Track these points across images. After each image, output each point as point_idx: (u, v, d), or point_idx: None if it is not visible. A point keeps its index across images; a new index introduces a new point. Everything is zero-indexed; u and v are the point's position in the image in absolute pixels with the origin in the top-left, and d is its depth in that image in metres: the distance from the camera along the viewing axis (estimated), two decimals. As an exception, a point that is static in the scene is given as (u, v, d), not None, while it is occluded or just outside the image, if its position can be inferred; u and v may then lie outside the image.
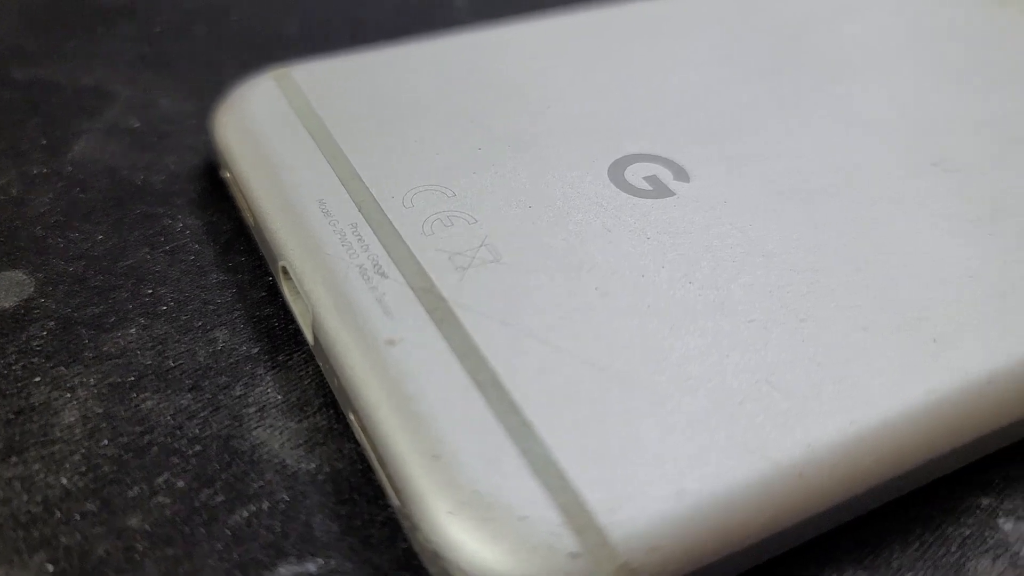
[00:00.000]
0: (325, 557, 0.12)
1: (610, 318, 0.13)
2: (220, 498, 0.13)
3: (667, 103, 0.18)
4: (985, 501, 0.13)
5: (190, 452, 0.13)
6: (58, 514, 0.12)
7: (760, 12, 0.21)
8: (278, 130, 0.17)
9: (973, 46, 0.20)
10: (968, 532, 0.13)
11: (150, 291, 0.15)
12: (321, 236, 0.14)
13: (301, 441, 0.13)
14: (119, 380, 0.14)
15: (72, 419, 0.13)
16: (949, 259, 0.15)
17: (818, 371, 0.13)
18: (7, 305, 0.15)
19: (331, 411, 0.14)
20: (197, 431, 0.13)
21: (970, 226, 0.15)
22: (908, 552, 0.13)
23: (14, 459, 0.13)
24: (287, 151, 0.16)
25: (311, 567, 0.12)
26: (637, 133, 0.17)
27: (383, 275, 0.14)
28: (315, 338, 0.14)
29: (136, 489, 0.13)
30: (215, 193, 0.18)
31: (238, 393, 0.14)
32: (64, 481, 0.13)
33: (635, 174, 0.16)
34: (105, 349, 0.14)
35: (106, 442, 0.13)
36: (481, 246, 0.14)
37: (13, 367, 0.14)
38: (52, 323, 0.15)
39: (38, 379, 0.14)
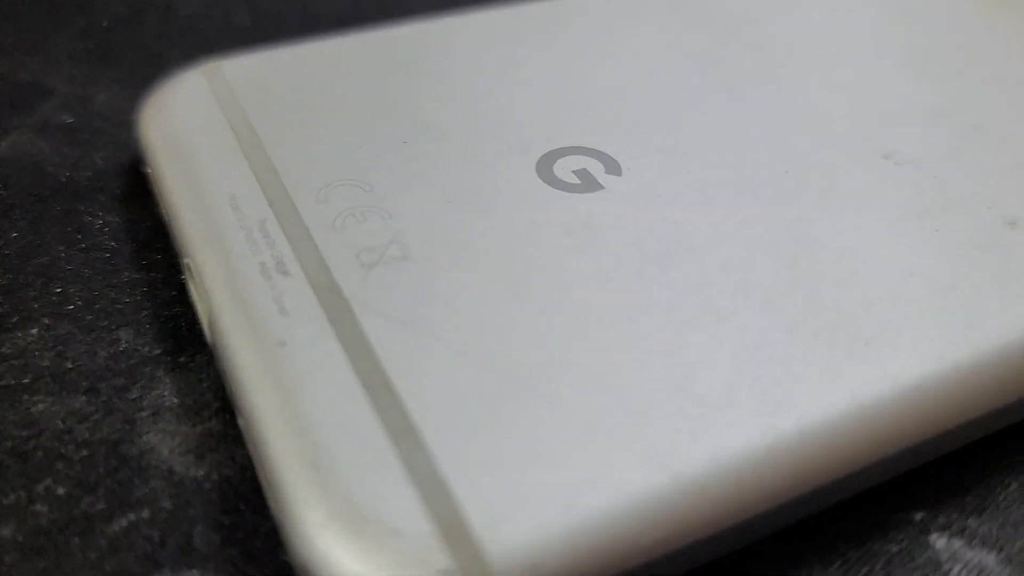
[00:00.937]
0: (202, 569, 0.11)
1: (518, 320, 0.13)
2: (101, 506, 0.12)
3: (601, 95, 0.17)
4: (917, 515, 0.12)
5: (76, 457, 0.13)
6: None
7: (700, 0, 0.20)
8: (199, 124, 0.16)
9: (927, 33, 0.19)
10: (896, 549, 0.12)
11: (59, 290, 0.15)
12: (225, 232, 0.14)
13: (192, 447, 0.13)
14: (12, 382, 0.13)
15: (-41, 422, 0.13)
16: (889, 256, 0.14)
17: (734, 376, 0.12)
18: (-89, 304, 0.15)
19: (227, 415, 0.13)
20: (87, 435, 0.13)
21: (916, 221, 0.14)
22: (829, 571, 0.12)
23: None
24: (205, 146, 0.15)
25: (187, 580, 0.11)
26: (569, 126, 0.16)
27: (285, 273, 0.13)
28: (212, 338, 0.13)
29: (13, 497, 0.12)
30: (139, 190, 0.17)
31: (134, 396, 0.13)
32: (-59, 487, 0.12)
33: (564, 168, 0.15)
34: (2, 350, 0.14)
35: (-10, 446, 0.13)
36: (392, 242, 0.14)
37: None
38: (-47, 322, 0.14)
39: (-69, 380, 0.13)
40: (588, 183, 0.15)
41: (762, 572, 0.12)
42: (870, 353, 0.12)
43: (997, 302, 0.13)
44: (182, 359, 0.14)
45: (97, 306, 0.15)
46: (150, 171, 0.16)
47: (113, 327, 0.14)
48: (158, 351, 0.14)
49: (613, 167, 0.15)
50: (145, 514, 0.12)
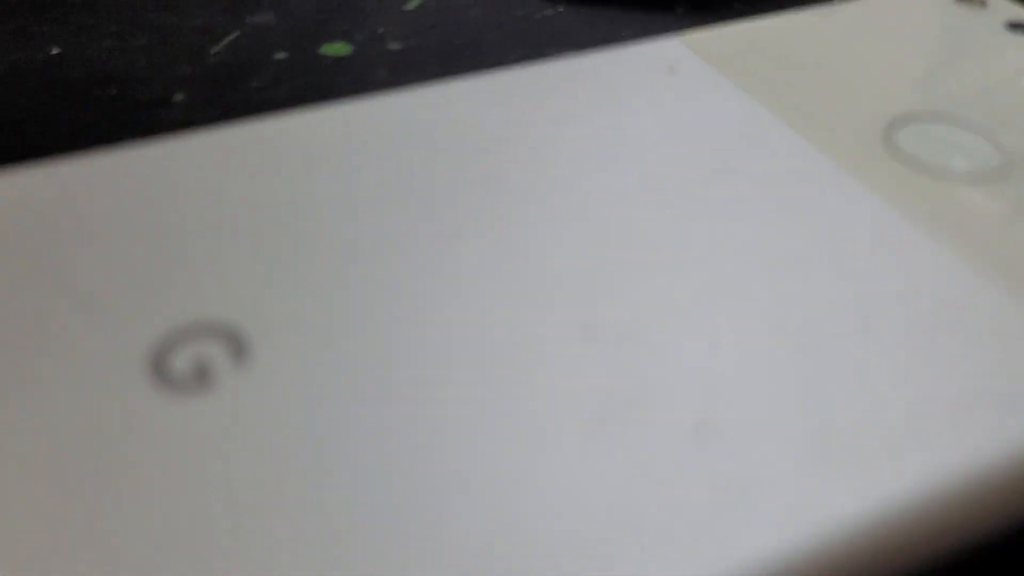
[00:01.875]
0: None
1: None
2: None
3: (238, 257, 0.14)
4: None
5: None
6: None
7: (411, 130, 0.17)
8: None
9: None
10: None
11: None
12: None
13: None
14: None
15: None
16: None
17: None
18: None
19: None
20: None
21: (579, 429, 0.12)
22: None
23: None
24: None
25: None
26: (192, 300, 0.13)
27: None
28: None
29: None
30: None
31: None
32: None
33: (182, 359, 0.12)
34: None
35: None
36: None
37: None
38: None
39: None
40: (208, 378, 0.12)
41: None
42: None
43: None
44: None
45: None
46: None
47: None
48: None
49: (243, 352, 0.12)
50: None
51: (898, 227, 0.15)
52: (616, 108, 0.17)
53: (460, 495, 0.11)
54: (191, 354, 0.12)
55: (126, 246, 0.14)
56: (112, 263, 0.13)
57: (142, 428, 0.11)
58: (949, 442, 0.12)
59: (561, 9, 0.25)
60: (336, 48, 0.23)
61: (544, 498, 0.11)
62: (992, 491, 0.11)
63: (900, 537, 0.11)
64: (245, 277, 0.13)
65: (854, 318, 0.13)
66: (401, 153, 0.16)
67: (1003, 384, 0.12)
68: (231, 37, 0.24)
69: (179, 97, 0.21)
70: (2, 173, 0.15)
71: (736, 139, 0.17)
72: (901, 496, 0.11)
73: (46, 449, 0.11)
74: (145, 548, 0.10)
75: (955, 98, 0.18)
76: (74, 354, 0.12)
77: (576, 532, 0.10)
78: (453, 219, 0.15)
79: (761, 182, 0.16)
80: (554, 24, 0.24)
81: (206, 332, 0.13)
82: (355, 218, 0.15)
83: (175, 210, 0.14)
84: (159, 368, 0.12)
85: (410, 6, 0.25)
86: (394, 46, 0.23)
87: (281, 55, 0.23)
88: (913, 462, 0.11)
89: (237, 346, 0.12)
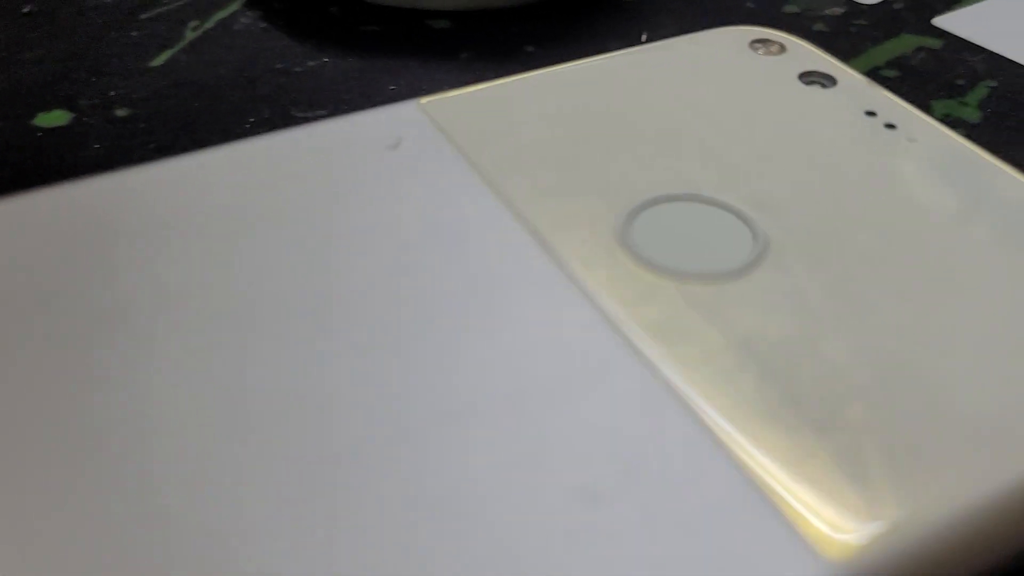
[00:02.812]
0: None
1: None
2: None
3: None
4: None
5: None
6: None
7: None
8: None
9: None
10: None
11: None
12: None
13: None
14: None
15: None
16: None
17: None
18: None
19: None
20: None
21: None
22: None
23: None
24: None
25: None
26: None
27: None
28: None
29: None
30: None
31: None
32: None
33: None
34: None
35: None
36: None
37: None
38: None
39: None
40: None
41: None
42: None
43: None
44: None
45: None
46: None
47: None
48: None
49: None
50: None
51: (612, 344, 0.12)
52: (321, 194, 0.15)
53: None
54: None
55: None
56: None
57: None
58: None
59: (326, 60, 0.22)
60: (51, 117, 0.20)
61: None
62: None
63: None
64: None
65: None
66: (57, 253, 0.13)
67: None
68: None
69: None
70: None
71: (442, 237, 0.14)
72: None
73: None
74: None
75: (720, 172, 0.16)
76: None
77: None
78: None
79: (463, 287, 0.13)
80: (314, 79, 0.22)
81: None
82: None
83: None
84: None
85: (156, 62, 0.22)
86: (121, 112, 0.20)
87: (-17, 128, 0.20)
88: None
89: None
